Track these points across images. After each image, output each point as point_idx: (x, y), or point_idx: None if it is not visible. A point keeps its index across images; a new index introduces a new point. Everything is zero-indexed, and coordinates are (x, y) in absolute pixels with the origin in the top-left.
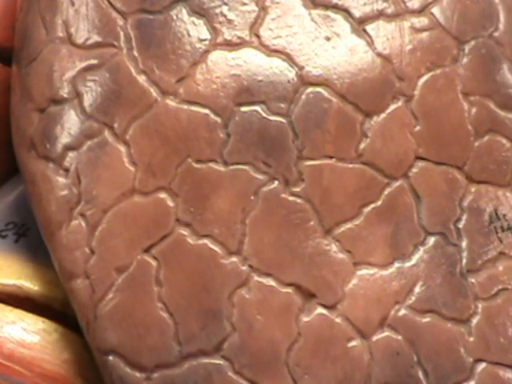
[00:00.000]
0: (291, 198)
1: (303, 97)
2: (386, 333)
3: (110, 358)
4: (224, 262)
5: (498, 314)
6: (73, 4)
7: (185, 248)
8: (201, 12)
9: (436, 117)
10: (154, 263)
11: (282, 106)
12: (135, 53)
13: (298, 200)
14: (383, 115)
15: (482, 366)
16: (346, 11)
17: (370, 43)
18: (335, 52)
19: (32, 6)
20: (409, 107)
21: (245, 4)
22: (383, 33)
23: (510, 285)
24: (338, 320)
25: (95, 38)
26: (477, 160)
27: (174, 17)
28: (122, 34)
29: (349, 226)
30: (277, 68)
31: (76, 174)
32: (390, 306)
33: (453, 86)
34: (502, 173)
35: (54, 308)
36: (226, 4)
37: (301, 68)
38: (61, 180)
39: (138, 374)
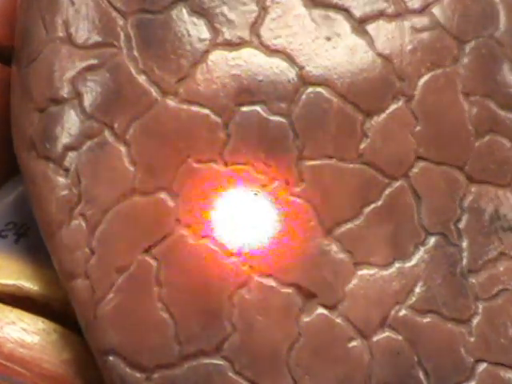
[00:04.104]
0: (292, 198)
1: (303, 97)
2: (387, 333)
3: (110, 358)
4: (224, 262)
5: (498, 314)
6: (73, 4)
7: (185, 248)
8: (201, 12)
9: (436, 117)
10: (154, 263)
11: (283, 105)
12: (135, 53)
13: (299, 200)
14: (383, 115)
15: (482, 366)
16: (346, 11)
17: (371, 43)
18: (335, 52)
19: (32, 6)
20: (409, 107)
21: (245, 4)
22: (384, 33)
23: (510, 285)
24: (338, 320)
25: (95, 38)
26: (477, 160)
27: (174, 17)
28: (122, 33)
29: (349, 226)
30: (277, 68)
31: (76, 174)
32: (391, 306)
33: (453, 86)
34: (503, 173)
35: (54, 308)
36: (226, 4)
37: (301, 68)
38: (61, 180)
39: (138, 374)
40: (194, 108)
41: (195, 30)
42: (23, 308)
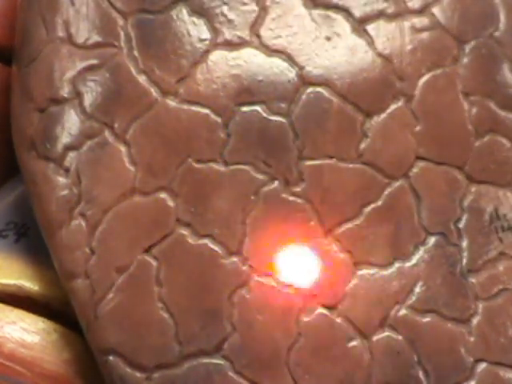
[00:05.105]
0: (291, 198)
1: (303, 97)
2: (387, 333)
3: (111, 357)
4: (224, 262)
5: (498, 314)
6: (73, 4)
7: (185, 248)
8: (201, 12)
9: (436, 117)
10: (154, 263)
11: (283, 105)
12: (135, 53)
13: (299, 200)
14: (384, 115)
15: (482, 365)
16: (346, 11)
17: (371, 43)
18: (335, 52)
19: (32, 6)
20: (409, 107)
21: (245, 4)
22: (384, 33)
23: (510, 285)
24: (338, 320)
25: (95, 38)
26: (477, 160)
27: (175, 17)
28: (122, 33)
29: (349, 225)
30: (277, 68)
31: (76, 173)
32: (391, 306)
33: (453, 86)
34: (503, 173)
35: (55, 308)
36: (226, 4)
37: (301, 68)
38: (61, 180)
39: (138, 374)
40: (194, 108)
41: (195, 30)
42: (24, 308)
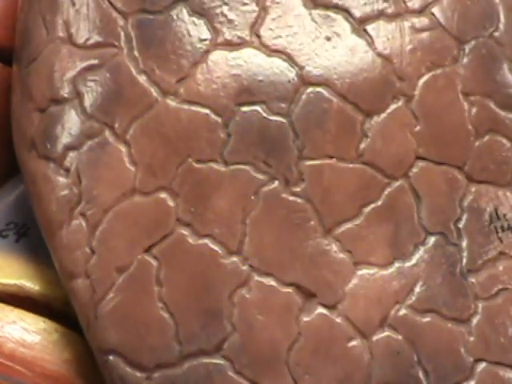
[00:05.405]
0: (291, 198)
1: (303, 97)
2: (387, 332)
3: (111, 357)
4: (224, 262)
5: (498, 313)
6: (73, 4)
7: (185, 248)
8: (201, 12)
9: (436, 117)
10: (154, 263)
11: (283, 105)
12: (136, 53)
13: (299, 200)
14: (383, 115)
15: (482, 365)
16: (346, 11)
17: (371, 43)
18: (335, 52)
19: (33, 6)
20: (409, 107)
21: (245, 4)
22: (383, 33)
23: (510, 284)
24: (338, 320)
25: (96, 38)
26: (477, 160)
27: (175, 17)
28: (122, 34)
29: (349, 225)
30: (277, 68)
31: (76, 173)
32: (391, 306)
33: (453, 86)
34: (502, 173)
35: (55, 308)
36: (226, 4)
37: (301, 68)
38: (61, 180)
39: (138, 374)
40: (195, 108)
41: (195, 30)
42: (24, 308)
